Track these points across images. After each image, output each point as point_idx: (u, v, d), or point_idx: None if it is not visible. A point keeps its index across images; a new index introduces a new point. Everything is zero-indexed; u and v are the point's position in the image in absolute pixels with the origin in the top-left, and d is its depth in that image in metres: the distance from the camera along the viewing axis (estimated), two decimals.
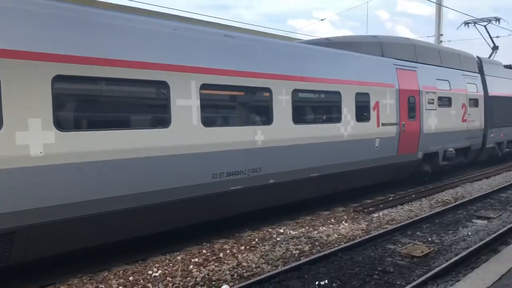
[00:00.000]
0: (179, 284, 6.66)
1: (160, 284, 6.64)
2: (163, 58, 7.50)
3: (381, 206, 11.49)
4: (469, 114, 16.21)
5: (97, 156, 6.59)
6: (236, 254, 7.88)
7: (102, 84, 6.90)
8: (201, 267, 7.27)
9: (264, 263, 7.51)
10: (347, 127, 11.04)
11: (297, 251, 8.08)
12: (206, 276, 6.94)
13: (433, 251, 8.05)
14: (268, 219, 10.05)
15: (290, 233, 9.14)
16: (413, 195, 12.76)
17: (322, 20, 36.14)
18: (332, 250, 7.87)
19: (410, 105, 13.23)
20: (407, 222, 9.74)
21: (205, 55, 8.25)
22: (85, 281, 6.72)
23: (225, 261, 7.54)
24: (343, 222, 10.08)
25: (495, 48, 21.49)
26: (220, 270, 7.14)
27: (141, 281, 6.75)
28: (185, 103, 7.77)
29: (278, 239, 8.75)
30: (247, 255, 7.81)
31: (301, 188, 10.20)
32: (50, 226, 6.23)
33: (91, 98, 6.99)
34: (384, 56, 13.04)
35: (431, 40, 25.26)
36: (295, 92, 9.76)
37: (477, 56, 18.46)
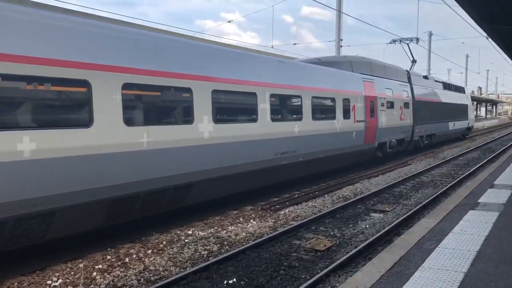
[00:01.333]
0: None
1: None
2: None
3: (287, 203, 11.86)
4: (404, 114, 21.12)
5: (228, 139, 10.28)
6: (143, 258, 7.67)
7: (231, 95, 10.70)
8: (106, 274, 6.99)
9: (172, 265, 7.40)
10: (339, 123, 15.18)
11: (206, 252, 8.08)
12: (111, 282, 6.68)
13: (335, 244, 8.49)
14: (176, 220, 9.91)
15: (198, 234, 9.10)
16: (317, 192, 13.34)
17: (229, 22, 36.65)
18: (240, 248, 7.98)
19: (371, 107, 17.67)
20: (311, 218, 10.16)
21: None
22: None
23: (131, 266, 7.32)
24: (251, 220, 10.25)
25: (414, 61, 27.25)
26: (126, 276, 6.92)
27: None
28: (263, 107, 11.53)
29: (186, 240, 8.67)
30: (154, 259, 7.64)
31: (315, 164, 14.20)
32: (207, 181, 9.84)
33: (225, 104, 10.74)
34: (353, 71, 17.39)
35: (332, 44, 26.70)
36: (313, 98, 13.75)
37: (406, 70, 23.62)
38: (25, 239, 6.79)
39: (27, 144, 6.41)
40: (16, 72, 6.40)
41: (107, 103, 7.56)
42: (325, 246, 8.29)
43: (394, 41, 26.96)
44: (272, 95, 11.80)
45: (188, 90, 9.31)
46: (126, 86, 7.92)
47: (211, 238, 8.85)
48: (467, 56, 76.32)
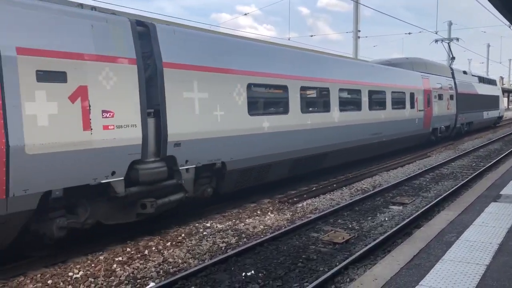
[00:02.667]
0: (102, 284, 6.44)
1: (81, 286, 6.38)
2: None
3: (305, 196, 11.82)
4: (450, 105, 25.04)
5: (346, 123, 14.39)
6: (162, 251, 7.75)
7: (348, 92, 15.08)
8: (125, 266, 7.07)
9: (191, 258, 7.46)
10: (407, 111, 19.31)
11: (224, 244, 8.12)
12: (131, 274, 6.76)
13: (353, 237, 8.44)
14: (195, 213, 9.97)
15: (217, 226, 9.14)
16: (335, 185, 13.26)
17: (245, 14, 36.69)
18: (258, 241, 7.99)
19: (428, 99, 21.67)
20: (329, 210, 10.11)
21: None
22: None
23: (151, 258, 7.39)
24: (269, 213, 10.25)
25: (453, 58, 32.07)
26: (145, 268, 7.00)
27: (61, 284, 6.44)
28: (365, 99, 15.73)
29: (205, 233, 8.72)
30: (173, 251, 7.71)
31: (391, 144, 18.34)
32: (334, 151, 13.94)
33: (344, 98, 14.58)
34: (413, 70, 21.53)
35: (350, 35, 26.46)
36: (392, 92, 17.89)
37: (450, 67, 28.19)
38: (258, 180, 11.36)
39: (266, 123, 10.96)
40: (262, 82, 11.15)
41: (293, 99, 11.95)
42: (343, 238, 8.24)
43: (436, 40, 31.79)
44: (369, 91, 15.91)
45: (327, 89, 13.60)
46: (301, 89, 12.24)
47: (229, 230, 8.89)
48: (488, 45, 74.63)
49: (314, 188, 12.82)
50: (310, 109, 13.02)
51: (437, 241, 6.05)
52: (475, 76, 32.85)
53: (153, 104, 8.24)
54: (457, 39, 31.04)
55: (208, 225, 9.25)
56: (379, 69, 18.11)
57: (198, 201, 9.97)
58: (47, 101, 6.58)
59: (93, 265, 7.12)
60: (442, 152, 21.25)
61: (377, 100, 16.81)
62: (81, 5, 7.96)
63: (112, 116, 7.43)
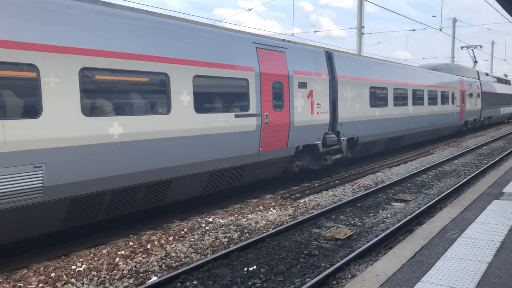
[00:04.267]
0: (105, 277, 6.47)
1: (84, 279, 6.41)
2: None
3: (307, 192, 11.83)
4: (476, 102, 30.00)
5: (416, 114, 19.88)
6: (164, 245, 7.77)
7: (416, 92, 20.25)
8: (128, 260, 7.10)
9: (193, 252, 7.48)
10: (450, 107, 24.60)
11: (226, 239, 8.14)
12: (133, 268, 6.80)
13: (355, 233, 8.45)
14: (197, 208, 10.00)
15: (219, 221, 9.17)
16: (337, 181, 13.27)
17: (249, 10, 36.80)
18: (260, 236, 8.00)
19: (462, 97, 26.80)
20: (331, 206, 10.13)
21: None
22: (1, 280, 6.32)
23: (153, 253, 7.43)
24: (271, 208, 10.27)
25: (475, 62, 38.56)
26: (147, 262, 7.03)
27: (64, 276, 6.47)
28: (425, 97, 21.29)
29: (207, 228, 8.75)
30: (175, 246, 7.74)
31: (438, 131, 23.69)
32: (407, 135, 19.50)
33: (415, 96, 19.83)
34: (452, 73, 27.06)
35: (353, 32, 26.44)
36: (441, 92, 23.42)
37: (476, 70, 33.57)
38: (368, 151, 16.52)
39: (377, 113, 16.13)
40: (376, 85, 16.31)
41: (390, 97, 17.09)
42: (345, 235, 8.26)
43: (462, 47, 39.10)
44: (428, 91, 21.27)
45: (406, 90, 18.81)
46: (394, 89, 17.40)
47: (232, 225, 8.91)
48: (493, 42, 74.07)
49: (317, 184, 12.82)
50: (397, 103, 17.74)
51: (439, 238, 6.06)
52: (494, 77, 39.92)
53: (330, 99, 13.32)
54: (480, 46, 37.81)
55: (211, 220, 9.28)
56: (433, 74, 23.46)
57: (205, 197, 10.05)
58: (300, 98, 11.95)
59: (96, 258, 7.16)
60: (445, 150, 21.23)
61: (432, 98, 21.98)
62: (286, 40, 13.14)
63: (320, 106, 12.78)
